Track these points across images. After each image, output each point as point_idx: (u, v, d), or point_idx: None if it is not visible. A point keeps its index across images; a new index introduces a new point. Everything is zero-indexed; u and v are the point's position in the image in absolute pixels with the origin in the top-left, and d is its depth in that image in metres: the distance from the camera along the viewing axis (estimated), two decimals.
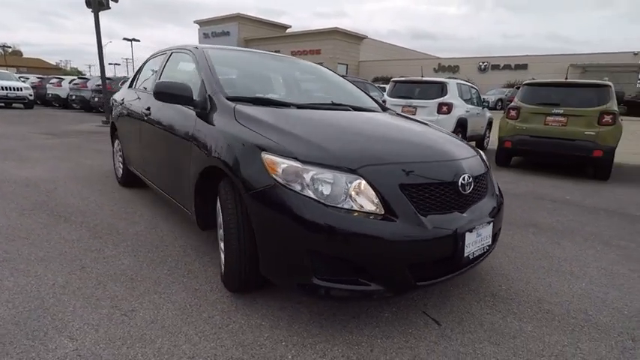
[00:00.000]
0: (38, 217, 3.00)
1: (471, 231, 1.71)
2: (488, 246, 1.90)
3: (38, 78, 19.76)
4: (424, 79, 7.70)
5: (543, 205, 4.14)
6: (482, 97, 9.63)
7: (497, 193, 2.18)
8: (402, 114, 2.95)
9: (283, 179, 1.58)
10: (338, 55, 32.25)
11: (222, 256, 1.96)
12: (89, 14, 10.22)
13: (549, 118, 5.97)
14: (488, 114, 9.08)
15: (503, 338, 1.74)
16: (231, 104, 2.08)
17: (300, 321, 1.79)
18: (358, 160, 1.63)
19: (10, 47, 66.40)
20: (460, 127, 7.25)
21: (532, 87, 6.38)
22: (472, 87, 8.49)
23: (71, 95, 15.71)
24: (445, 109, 7.08)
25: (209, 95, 2.22)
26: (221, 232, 1.95)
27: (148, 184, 3.27)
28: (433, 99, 7.24)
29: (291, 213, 1.54)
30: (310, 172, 1.56)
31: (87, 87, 15.10)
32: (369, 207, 1.55)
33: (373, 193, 1.56)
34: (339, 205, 1.53)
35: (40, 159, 5.30)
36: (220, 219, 1.96)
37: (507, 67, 27.54)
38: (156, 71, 3.24)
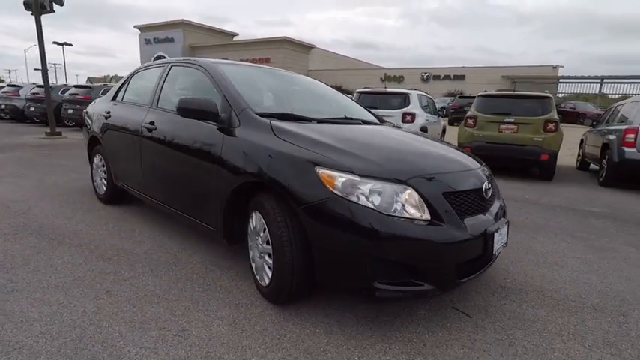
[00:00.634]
0: (27, 241, 2.76)
1: (497, 231, 1.95)
2: (505, 243, 2.15)
3: None
4: (388, 90, 8.15)
5: (510, 205, 4.61)
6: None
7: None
8: (399, 127, 3.18)
9: (342, 192, 1.69)
10: (288, 64, 32.48)
11: (266, 269, 2.00)
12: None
13: (502, 126, 6.64)
14: (442, 122, 9.80)
15: (526, 323, 1.99)
16: (267, 120, 2.14)
17: (350, 325, 1.89)
18: (406, 173, 1.79)
19: None
20: None
21: (486, 98, 7.05)
22: (429, 97, 9.12)
23: (0, 104, 14.16)
24: (409, 118, 7.55)
25: (236, 111, 2.25)
26: (263, 245, 1.99)
27: (145, 201, 3.15)
28: (397, 109, 7.68)
29: (352, 223, 1.65)
30: (368, 185, 1.69)
31: (19, 95, 13.73)
32: (419, 214, 1.72)
33: (422, 201, 1.73)
34: (393, 214, 1.68)
35: None
36: (261, 233, 2.01)
37: (447, 77, 29.72)
38: (152, 85, 3.15)
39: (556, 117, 6.47)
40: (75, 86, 12.39)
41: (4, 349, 1.59)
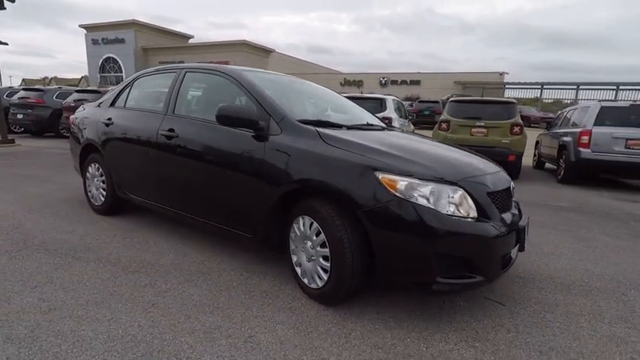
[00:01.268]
0: (36, 257, 2.58)
1: (527, 225, 2.17)
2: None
3: None
4: (365, 95, 8.42)
5: None
6: None
7: None
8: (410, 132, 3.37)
9: (403, 194, 1.81)
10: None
11: (319, 271, 2.06)
12: None
13: (474, 130, 7.14)
14: (411, 126, 10.27)
15: (551, 307, 2.23)
16: (312, 128, 2.20)
17: (404, 319, 2.01)
18: (455, 175, 1.94)
19: None
20: None
21: (458, 103, 7.53)
22: (400, 102, 9.53)
23: None
24: (386, 122, 7.83)
25: (276, 119, 2.29)
26: (317, 249, 2.05)
27: (157, 211, 3.06)
28: (374, 114, 7.95)
29: (416, 222, 1.77)
30: (428, 187, 1.82)
31: None
32: (470, 212, 1.88)
33: (471, 200, 1.89)
34: (450, 213, 1.82)
35: None
36: (313, 237, 2.06)
37: (404, 82, 30.97)
38: (163, 91, 3.07)
39: (520, 121, 7.08)
40: (25, 89, 11.41)
41: None
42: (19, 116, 10.49)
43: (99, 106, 3.69)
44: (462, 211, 1.85)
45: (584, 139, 6.43)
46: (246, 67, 2.97)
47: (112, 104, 3.50)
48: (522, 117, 7.84)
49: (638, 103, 6.46)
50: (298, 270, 2.24)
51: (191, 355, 1.64)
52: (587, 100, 25.28)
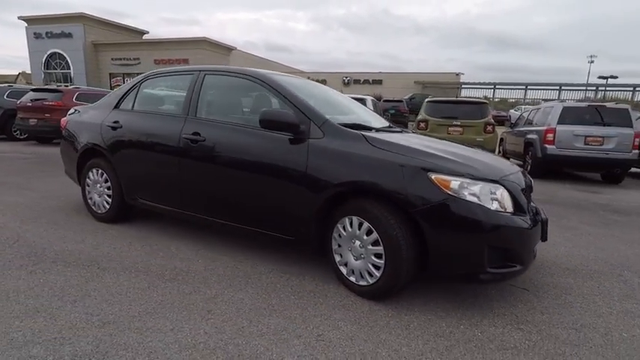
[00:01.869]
0: (58, 271, 2.43)
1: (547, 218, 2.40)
2: None
3: None
4: (346, 95, 8.57)
5: None
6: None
7: None
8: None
9: (456, 193, 1.95)
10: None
11: (371, 268, 2.15)
12: None
13: (450, 129, 7.56)
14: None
15: (567, 290, 2.49)
16: (357, 131, 2.29)
17: (450, 309, 2.16)
18: (495, 174, 2.12)
19: None
20: None
21: (435, 103, 7.91)
22: (376, 101, 9.82)
23: None
24: None
25: (317, 123, 2.35)
26: (368, 247, 2.14)
27: (175, 216, 2.99)
28: None
29: (469, 218, 1.92)
30: (477, 185, 1.98)
31: None
32: (508, 207, 2.06)
33: (510, 196, 2.08)
34: (496, 208, 1.99)
35: None
36: (364, 237, 2.15)
37: (367, 81, 31.68)
38: (179, 94, 3.00)
39: (492, 120, 7.59)
40: (36, 90, 9.91)
41: None
42: (32, 122, 9.13)
43: (97, 108, 3.51)
44: (503, 206, 2.03)
45: (550, 136, 7.03)
46: (269, 71, 2.97)
47: (116, 107, 3.35)
48: None
49: (594, 104, 7.17)
50: (343, 269, 2.32)
51: (272, 357, 1.67)
52: (534, 99, 27.40)
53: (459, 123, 7.47)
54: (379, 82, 31.40)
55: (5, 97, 10.06)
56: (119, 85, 31.75)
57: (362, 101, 8.28)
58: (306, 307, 2.12)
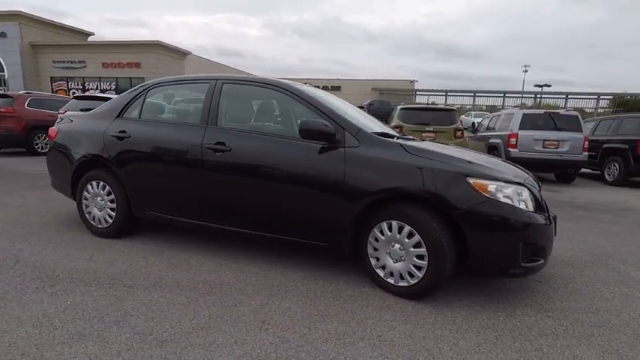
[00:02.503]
0: (81, 291, 2.28)
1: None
2: None
3: None
4: None
5: None
6: None
7: None
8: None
9: (493, 196, 2.13)
10: (161, 71, 29.96)
11: (413, 270, 2.26)
12: None
13: (424, 134, 7.94)
14: None
15: (572, 279, 2.77)
16: (393, 139, 2.40)
17: (484, 303, 2.33)
18: (519, 178, 2.33)
19: None
20: None
21: (408, 110, 8.29)
22: None
23: None
24: None
25: (352, 132, 2.43)
26: (410, 249, 2.26)
27: (193, 228, 2.91)
28: None
29: (506, 218, 2.11)
30: (510, 188, 2.18)
31: None
32: (531, 207, 2.28)
33: (532, 197, 2.30)
34: (525, 208, 2.20)
35: None
36: (405, 240, 2.26)
37: (326, 87, 32.12)
38: (194, 103, 2.94)
39: (461, 126, 8.11)
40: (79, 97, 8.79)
41: None
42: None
43: (95, 117, 3.32)
44: (529, 206, 2.25)
45: (513, 140, 7.66)
46: (291, 81, 2.96)
47: (119, 116, 3.19)
48: None
49: (549, 111, 7.93)
50: (380, 272, 2.41)
51: None
52: (481, 105, 29.47)
53: (431, 129, 7.89)
54: (338, 88, 32.03)
55: None
56: (62, 90, 29.36)
57: None
58: (354, 310, 2.19)
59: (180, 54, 32.08)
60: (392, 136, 2.70)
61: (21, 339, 1.79)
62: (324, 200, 2.43)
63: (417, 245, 2.24)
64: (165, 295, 2.28)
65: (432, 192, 2.18)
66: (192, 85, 3.07)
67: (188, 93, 3.04)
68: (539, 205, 2.33)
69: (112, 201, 3.16)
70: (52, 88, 28.64)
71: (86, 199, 3.27)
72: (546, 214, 2.34)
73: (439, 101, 30.43)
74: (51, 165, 3.57)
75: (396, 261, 2.34)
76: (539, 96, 29.24)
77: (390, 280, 2.37)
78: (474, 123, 16.81)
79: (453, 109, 8.35)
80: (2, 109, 8.29)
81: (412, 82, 31.48)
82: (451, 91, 29.94)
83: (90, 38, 34.26)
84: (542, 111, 7.96)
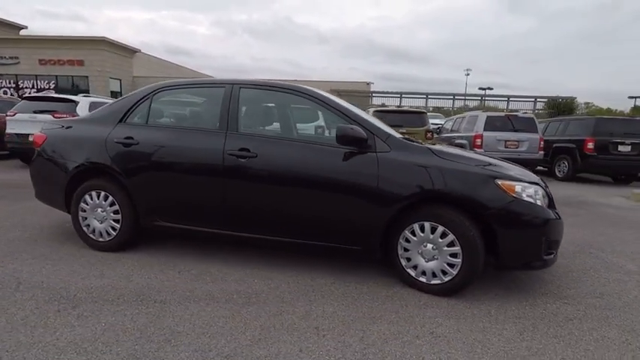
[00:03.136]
0: (109, 311, 2.12)
1: None
2: None
3: None
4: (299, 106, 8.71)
5: None
6: None
7: None
8: None
9: (519, 195, 2.31)
10: (108, 69, 28.12)
11: (446, 268, 2.38)
12: None
13: None
14: None
15: (568, 268, 3.07)
16: (422, 144, 2.50)
17: (505, 295, 2.51)
18: (533, 178, 2.55)
19: None
20: None
21: (382, 113, 8.53)
22: None
23: None
24: (320, 131, 8.34)
25: (382, 138, 2.51)
26: (444, 248, 2.37)
27: (210, 236, 2.81)
28: (310, 122, 8.36)
29: (531, 215, 2.31)
30: (532, 188, 2.37)
31: None
32: (545, 205, 2.51)
33: (546, 195, 2.53)
34: (542, 205, 2.41)
35: None
36: (438, 240, 2.38)
37: None
38: (209, 108, 2.85)
39: (431, 127, 8.53)
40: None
41: None
42: None
43: (93, 122, 3.09)
44: (543, 204, 2.47)
45: (478, 141, 8.21)
46: (310, 87, 2.96)
47: (122, 121, 3.00)
48: None
49: (509, 114, 8.60)
50: (411, 272, 2.51)
51: (413, 359, 1.79)
52: (433, 107, 31.05)
53: (404, 131, 8.18)
54: None
55: None
56: None
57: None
58: (396, 310, 2.26)
59: (129, 52, 30.31)
60: (411, 141, 2.82)
61: None
62: (357, 204, 2.47)
63: (451, 244, 2.36)
64: (205, 309, 2.19)
65: (466, 194, 2.32)
66: (202, 90, 2.97)
67: (202, 97, 2.92)
68: (551, 203, 2.57)
69: (115, 212, 2.96)
70: None
71: (84, 210, 3.03)
72: (556, 211, 2.59)
73: (393, 103, 31.65)
74: (37, 175, 3.25)
75: (429, 260, 2.45)
76: (484, 98, 31.42)
77: (422, 279, 2.48)
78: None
79: (424, 112, 8.76)
80: None
81: (368, 84, 32.32)
82: (405, 94, 31.18)
83: (22, 32, 31.18)
84: (503, 114, 8.61)
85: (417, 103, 31.01)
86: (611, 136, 8.19)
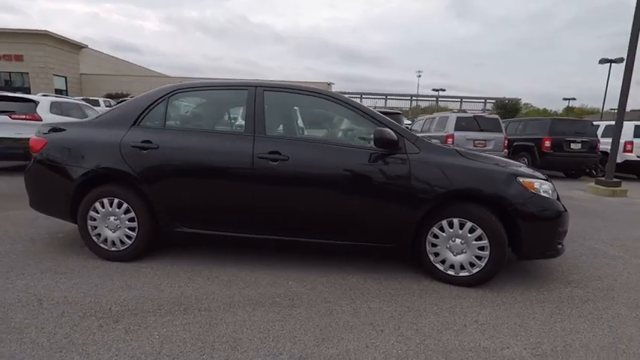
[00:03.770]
0: (153, 322, 2.04)
1: None
2: None
3: None
4: None
5: None
6: None
7: None
8: None
9: (537, 191, 2.54)
10: (52, 65, 26.01)
11: (475, 261, 2.55)
12: None
13: None
14: None
15: (568, 256, 3.38)
16: (449, 146, 2.65)
17: (522, 283, 2.74)
18: (543, 175, 2.80)
19: None
20: None
21: None
22: None
23: None
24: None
25: (411, 140, 2.63)
26: (473, 242, 2.54)
27: (235, 241, 2.78)
28: None
29: (550, 209, 2.54)
30: (547, 184, 2.62)
31: None
32: (555, 198, 2.77)
33: (554, 189, 2.80)
34: (555, 199, 2.66)
35: None
36: (467, 234, 2.54)
37: None
38: (233, 111, 2.81)
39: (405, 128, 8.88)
40: None
41: None
42: None
43: (102, 125, 2.91)
44: (554, 197, 2.73)
45: (450, 141, 8.66)
46: (334, 91, 3.03)
47: (136, 124, 2.86)
48: None
49: (476, 115, 9.16)
50: (439, 266, 2.66)
51: (482, 344, 1.92)
52: (392, 107, 32.11)
53: None
54: None
55: None
56: None
57: None
58: (435, 302, 2.39)
59: (75, 47, 28.28)
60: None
61: None
62: (392, 204, 2.57)
63: (478, 238, 2.54)
64: (255, 314, 2.18)
65: (493, 191, 2.51)
66: (222, 92, 2.91)
67: (223, 100, 2.86)
68: (558, 197, 2.84)
69: (131, 219, 2.82)
70: None
71: (94, 219, 2.85)
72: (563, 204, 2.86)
73: None
74: (35, 182, 3.00)
75: (457, 254, 2.61)
76: (441, 99, 33.11)
77: (451, 272, 2.63)
78: None
79: (399, 112, 9.09)
80: None
81: (329, 84, 32.74)
82: (365, 94, 32.05)
83: None
84: (471, 115, 9.17)
85: (378, 103, 32.01)
86: (564, 135, 9.03)
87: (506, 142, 8.83)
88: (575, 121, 9.88)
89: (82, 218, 2.87)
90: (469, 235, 2.56)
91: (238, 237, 2.78)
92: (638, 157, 9.08)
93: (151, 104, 2.91)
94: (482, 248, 2.55)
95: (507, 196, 2.51)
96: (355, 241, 2.68)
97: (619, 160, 8.60)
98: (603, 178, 7.12)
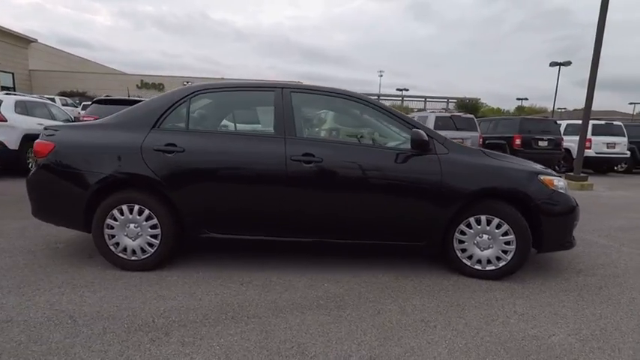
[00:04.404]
0: (204, 334, 1.97)
1: None
2: None
3: None
4: None
5: None
6: None
7: None
8: None
9: (556, 188, 2.72)
10: None
11: (501, 255, 2.68)
12: None
13: None
14: None
15: (576, 247, 3.65)
16: (474, 147, 2.75)
17: (538, 276, 2.92)
18: (555, 173, 3.00)
19: None
20: None
21: None
22: None
23: None
24: None
25: (440, 141, 2.72)
26: (500, 238, 2.67)
27: (263, 245, 2.74)
28: None
29: (566, 204, 2.73)
30: (562, 181, 2.80)
31: None
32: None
33: (566, 186, 3.01)
34: (569, 194, 2.86)
35: None
36: (494, 230, 2.67)
37: None
38: (260, 113, 2.76)
39: None
40: None
41: None
42: None
43: (119, 128, 2.74)
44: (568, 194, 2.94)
45: None
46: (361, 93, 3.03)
47: (156, 126, 2.72)
48: None
49: (453, 114, 9.55)
50: (466, 261, 2.77)
51: (530, 333, 2.02)
52: None
53: None
54: None
55: None
56: None
57: None
58: (470, 297, 2.49)
59: (23, 41, 26.19)
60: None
61: None
62: (424, 203, 2.65)
63: (505, 234, 2.68)
64: (305, 317, 2.16)
65: (519, 189, 2.65)
66: (247, 93, 2.84)
67: (248, 102, 2.79)
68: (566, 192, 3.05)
69: (153, 226, 2.69)
70: None
71: (111, 227, 2.69)
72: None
73: None
74: (41, 189, 2.77)
75: (484, 249, 2.73)
76: (406, 99, 34.07)
77: (478, 267, 2.76)
78: None
79: None
80: None
81: (298, 83, 32.80)
82: None
83: None
84: (448, 114, 9.54)
85: None
86: (532, 134, 9.65)
87: (481, 140, 9.28)
88: (541, 120, 10.59)
89: (98, 227, 2.69)
90: (496, 230, 2.70)
91: (265, 240, 2.74)
92: (596, 153, 9.89)
93: (172, 106, 2.78)
94: (508, 243, 2.69)
95: (531, 192, 2.66)
96: (388, 240, 2.73)
97: None
98: (572, 173, 7.70)
